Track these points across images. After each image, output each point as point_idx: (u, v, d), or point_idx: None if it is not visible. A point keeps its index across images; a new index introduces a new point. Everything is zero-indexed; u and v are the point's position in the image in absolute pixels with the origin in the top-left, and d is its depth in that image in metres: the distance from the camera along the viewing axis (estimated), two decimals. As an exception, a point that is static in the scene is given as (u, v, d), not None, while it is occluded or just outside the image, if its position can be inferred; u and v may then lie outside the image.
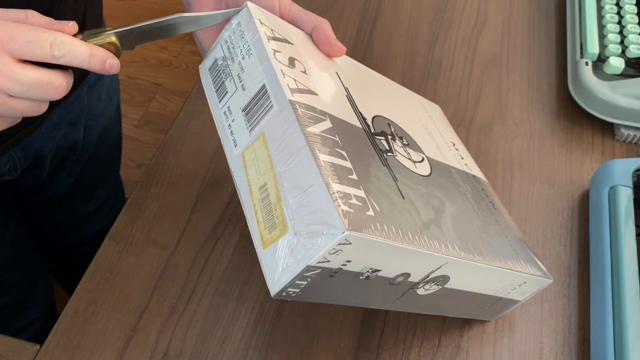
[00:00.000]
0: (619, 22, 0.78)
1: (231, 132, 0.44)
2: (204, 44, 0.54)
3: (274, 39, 0.45)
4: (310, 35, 0.51)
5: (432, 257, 0.42)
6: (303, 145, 0.39)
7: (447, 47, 0.83)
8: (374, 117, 0.49)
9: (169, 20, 0.46)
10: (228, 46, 0.46)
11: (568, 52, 0.77)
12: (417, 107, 0.61)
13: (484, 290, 0.50)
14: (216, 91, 0.47)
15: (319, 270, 0.38)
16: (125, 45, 0.46)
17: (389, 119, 0.52)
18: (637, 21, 0.77)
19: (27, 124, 0.67)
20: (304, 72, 0.45)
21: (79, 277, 0.59)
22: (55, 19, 0.44)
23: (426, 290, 0.46)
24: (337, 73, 0.50)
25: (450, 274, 0.45)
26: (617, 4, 0.80)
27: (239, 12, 0.47)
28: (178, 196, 0.65)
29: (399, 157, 0.47)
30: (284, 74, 0.42)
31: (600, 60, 0.74)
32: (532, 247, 0.62)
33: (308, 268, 0.37)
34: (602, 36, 0.76)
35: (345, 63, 0.53)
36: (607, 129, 0.73)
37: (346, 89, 0.49)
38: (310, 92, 0.43)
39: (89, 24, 0.69)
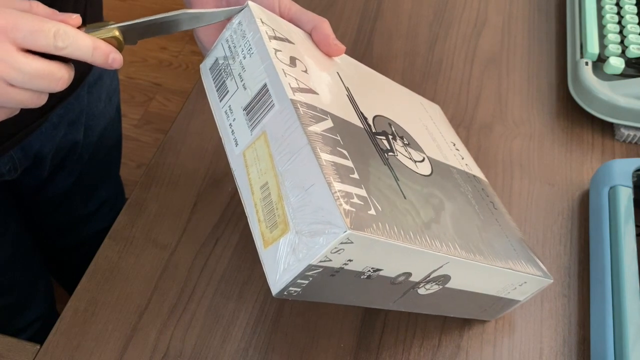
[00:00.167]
0: (619, 22, 0.78)
1: (232, 131, 0.44)
2: (205, 42, 0.54)
3: (275, 38, 0.45)
4: (310, 34, 0.51)
5: (433, 256, 0.42)
6: (304, 145, 0.39)
7: (447, 47, 0.83)
8: (374, 117, 0.49)
9: (172, 16, 0.46)
10: (229, 45, 0.46)
11: (568, 52, 0.77)
12: (418, 107, 0.61)
13: (484, 290, 0.50)
14: (217, 90, 0.47)
15: (321, 270, 0.38)
16: (128, 40, 0.46)
17: (390, 119, 0.52)
18: (637, 21, 0.77)
19: (27, 124, 0.67)
20: (305, 71, 0.45)
21: (79, 277, 0.59)
22: None
23: (427, 289, 0.46)
24: (337, 73, 0.50)
25: (451, 273, 0.45)
26: (617, 4, 0.80)
27: (240, 11, 0.47)
28: (178, 196, 0.65)
29: (400, 157, 0.47)
30: (285, 73, 0.42)
31: (600, 60, 0.74)
32: (533, 247, 0.62)
33: (310, 267, 0.37)
34: (602, 36, 0.76)
35: (346, 62, 0.53)
36: (607, 129, 0.73)
37: (347, 89, 0.49)
38: (311, 91, 0.43)
39: (89, 23, 0.69)
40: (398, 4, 0.88)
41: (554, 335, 0.57)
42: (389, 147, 0.47)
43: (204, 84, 0.48)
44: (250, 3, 0.47)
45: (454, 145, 0.61)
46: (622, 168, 0.62)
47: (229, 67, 0.46)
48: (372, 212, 0.38)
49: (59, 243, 0.96)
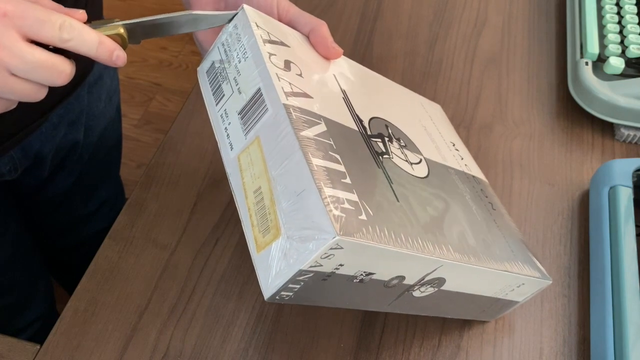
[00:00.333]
0: (619, 22, 0.78)
1: (227, 135, 0.44)
2: (203, 43, 0.54)
3: (270, 42, 0.45)
4: (307, 37, 0.51)
5: (426, 260, 0.42)
6: (296, 150, 0.39)
7: (447, 47, 0.83)
8: (371, 119, 0.49)
9: (178, 17, 0.46)
10: (225, 49, 0.47)
11: (568, 52, 0.77)
12: (417, 107, 0.61)
13: (481, 292, 0.50)
14: (213, 94, 0.47)
15: (312, 274, 0.38)
16: (132, 38, 0.45)
17: (387, 121, 0.52)
18: (637, 21, 0.77)
19: (28, 124, 0.67)
20: (300, 75, 0.45)
21: (79, 277, 0.59)
22: None
23: (422, 292, 0.46)
24: (334, 75, 0.50)
25: (445, 276, 0.45)
26: (617, 4, 0.80)
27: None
28: (178, 196, 0.65)
29: (395, 159, 0.47)
30: (279, 78, 0.42)
31: (600, 60, 0.74)
32: (532, 248, 0.62)
33: (300, 272, 0.37)
34: (602, 36, 0.76)
35: (344, 64, 0.53)
36: (607, 129, 0.73)
37: (343, 91, 0.49)
38: (305, 95, 0.43)
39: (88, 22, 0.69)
40: (398, 4, 0.88)
41: (554, 335, 0.57)
42: (384, 150, 0.47)
43: (201, 88, 0.48)
44: (245, 6, 0.47)
45: (454, 145, 0.61)
46: (622, 168, 0.62)
47: (224, 71, 0.46)
48: (363, 216, 0.38)
49: (59, 243, 0.96)
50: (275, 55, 0.44)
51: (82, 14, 0.43)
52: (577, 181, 0.68)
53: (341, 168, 0.40)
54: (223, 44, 0.47)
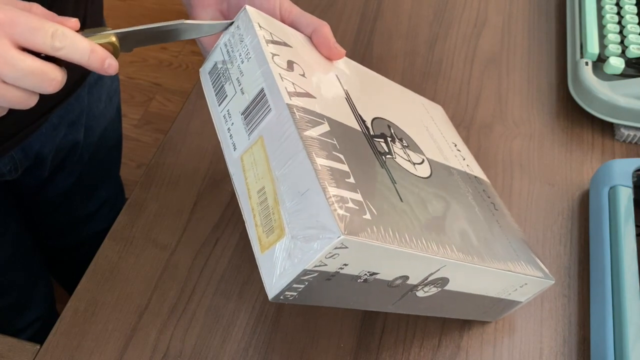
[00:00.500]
0: (619, 22, 0.78)
1: (230, 135, 0.44)
2: (205, 44, 0.54)
3: (273, 42, 0.45)
4: (310, 37, 0.51)
5: (430, 259, 0.42)
6: (300, 149, 0.39)
7: (447, 47, 0.83)
8: (373, 119, 0.49)
9: (171, 26, 0.46)
10: (227, 50, 0.46)
11: (568, 52, 0.77)
12: (419, 108, 0.61)
13: (484, 292, 0.50)
14: (216, 95, 0.47)
15: (316, 274, 0.38)
16: (123, 47, 0.45)
17: (389, 121, 0.52)
18: (637, 21, 0.77)
19: (28, 124, 0.67)
20: (303, 75, 0.45)
21: (79, 277, 0.59)
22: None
23: (425, 292, 0.46)
24: (336, 75, 0.50)
25: (449, 276, 0.45)
26: (617, 4, 0.80)
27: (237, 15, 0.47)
28: (178, 196, 0.65)
29: (398, 159, 0.47)
30: (282, 78, 0.42)
31: (600, 60, 0.74)
32: (534, 248, 0.62)
33: (305, 272, 0.37)
34: (602, 36, 0.76)
35: (345, 65, 0.53)
36: (607, 129, 0.73)
37: (346, 92, 0.49)
38: (308, 95, 0.43)
39: (89, 23, 0.69)
40: (398, 4, 0.88)
41: (554, 335, 0.57)
42: (387, 150, 0.47)
43: (203, 88, 0.48)
44: (248, 7, 0.47)
45: (455, 146, 0.61)
46: (622, 168, 0.62)
47: (227, 72, 0.46)
48: (367, 216, 0.38)
49: (59, 243, 0.96)
50: (278, 55, 0.44)
51: (74, 22, 0.43)
52: (577, 181, 0.68)
53: (345, 168, 0.40)
54: (226, 45, 0.47)
